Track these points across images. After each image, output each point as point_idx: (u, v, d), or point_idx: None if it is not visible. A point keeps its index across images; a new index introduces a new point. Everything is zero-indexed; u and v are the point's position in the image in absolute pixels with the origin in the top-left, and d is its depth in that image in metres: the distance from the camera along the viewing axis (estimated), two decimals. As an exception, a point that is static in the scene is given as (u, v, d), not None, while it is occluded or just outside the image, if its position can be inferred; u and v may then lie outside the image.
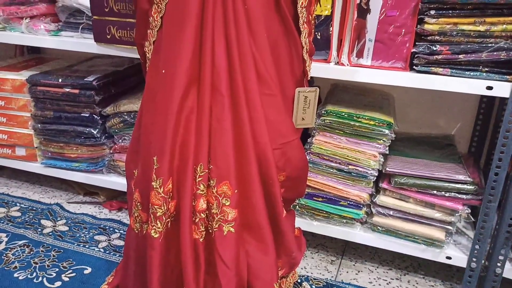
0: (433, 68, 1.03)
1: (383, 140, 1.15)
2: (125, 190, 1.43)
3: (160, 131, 0.79)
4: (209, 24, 0.75)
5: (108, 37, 1.30)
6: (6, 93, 1.53)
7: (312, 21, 0.92)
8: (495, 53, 0.97)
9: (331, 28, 1.11)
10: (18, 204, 1.58)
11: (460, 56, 1.00)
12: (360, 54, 1.10)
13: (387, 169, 1.16)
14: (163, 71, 0.78)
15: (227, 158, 0.78)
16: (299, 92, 0.86)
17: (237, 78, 0.76)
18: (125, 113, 1.43)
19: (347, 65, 1.11)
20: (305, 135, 1.22)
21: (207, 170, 0.79)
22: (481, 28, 0.98)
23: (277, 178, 0.82)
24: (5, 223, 1.46)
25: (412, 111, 1.47)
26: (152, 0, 0.80)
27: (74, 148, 1.52)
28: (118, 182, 1.49)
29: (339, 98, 1.30)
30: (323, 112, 1.18)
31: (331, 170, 1.20)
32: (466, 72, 1.01)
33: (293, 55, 0.84)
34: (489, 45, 0.98)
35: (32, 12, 1.43)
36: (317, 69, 1.11)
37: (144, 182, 0.85)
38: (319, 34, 1.13)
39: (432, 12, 1.00)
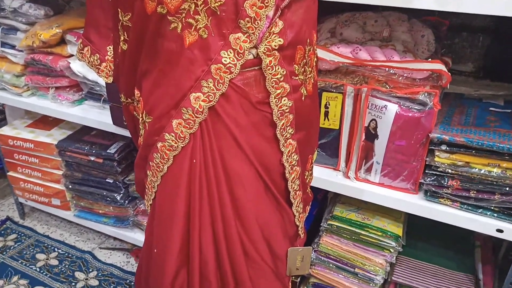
0: (442, 200, 0.99)
1: (390, 251, 1.14)
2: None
3: None
4: (196, 217, 0.76)
5: (125, 123, 1.33)
6: (40, 153, 1.64)
7: (307, 180, 0.91)
8: (509, 197, 0.91)
9: (339, 141, 1.08)
10: (56, 250, 1.74)
11: (471, 193, 0.95)
12: (368, 171, 1.07)
13: (393, 278, 1.16)
14: (155, 251, 0.82)
15: None
16: (291, 251, 0.87)
17: (225, 264, 0.78)
18: (145, 182, 1.49)
19: (354, 180, 1.09)
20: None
21: None
22: (496, 170, 0.91)
23: None
24: (44, 273, 1.62)
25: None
26: (146, 173, 0.83)
27: (102, 206, 1.62)
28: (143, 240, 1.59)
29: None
30: (330, 216, 1.18)
31: (338, 269, 1.21)
32: (477, 210, 0.96)
33: (286, 221, 0.85)
34: (503, 188, 0.92)
35: (56, 84, 1.48)
36: (324, 181, 1.10)
37: None
38: (328, 142, 1.10)
39: (444, 147, 0.94)
